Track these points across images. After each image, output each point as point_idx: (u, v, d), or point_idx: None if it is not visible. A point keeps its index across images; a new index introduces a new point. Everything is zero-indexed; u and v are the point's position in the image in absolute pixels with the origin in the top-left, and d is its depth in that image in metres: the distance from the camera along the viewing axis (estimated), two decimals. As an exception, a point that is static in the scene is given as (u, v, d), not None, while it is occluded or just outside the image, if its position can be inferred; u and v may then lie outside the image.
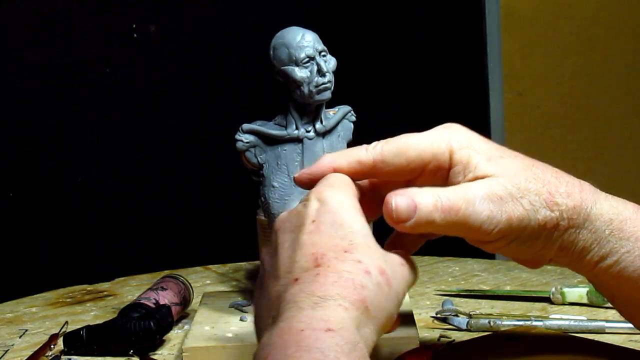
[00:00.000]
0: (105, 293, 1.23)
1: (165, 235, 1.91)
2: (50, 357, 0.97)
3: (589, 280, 0.79)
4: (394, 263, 0.69)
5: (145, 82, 1.89)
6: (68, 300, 1.21)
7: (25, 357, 0.97)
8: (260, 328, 0.67)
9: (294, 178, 0.74)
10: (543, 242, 0.73)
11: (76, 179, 1.82)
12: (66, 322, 1.06)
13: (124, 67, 1.87)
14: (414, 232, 0.71)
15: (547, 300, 1.07)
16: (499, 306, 1.08)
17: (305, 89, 0.92)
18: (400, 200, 0.69)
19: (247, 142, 0.95)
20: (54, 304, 1.19)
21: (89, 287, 1.26)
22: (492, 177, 0.72)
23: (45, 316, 1.15)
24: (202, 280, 1.26)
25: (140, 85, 1.89)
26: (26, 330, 1.09)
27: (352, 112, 1.00)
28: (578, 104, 2.22)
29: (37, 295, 1.24)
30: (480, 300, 1.10)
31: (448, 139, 0.74)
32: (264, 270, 0.72)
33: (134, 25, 1.87)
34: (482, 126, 2.13)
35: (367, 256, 0.67)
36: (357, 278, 0.65)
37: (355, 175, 0.73)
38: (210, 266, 1.33)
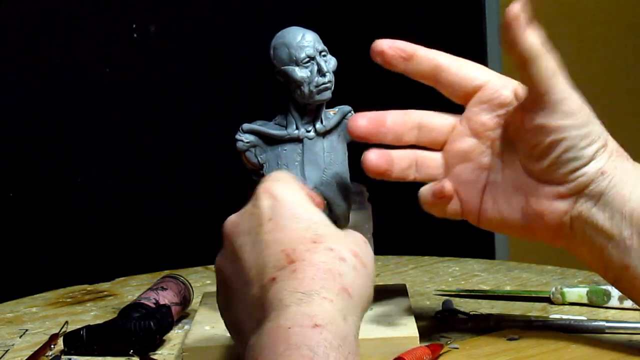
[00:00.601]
0: (105, 293, 1.23)
1: (165, 236, 1.91)
2: (50, 357, 0.97)
3: (613, 261, 0.81)
4: (360, 242, 0.70)
5: (145, 82, 1.89)
6: (68, 300, 1.21)
7: (26, 357, 0.97)
8: (242, 333, 0.67)
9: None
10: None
11: (76, 179, 1.82)
12: (66, 322, 1.06)
13: (124, 67, 1.87)
14: None
15: (547, 300, 1.07)
16: (499, 306, 1.08)
17: (306, 89, 0.92)
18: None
19: (247, 142, 0.95)
20: (54, 304, 1.19)
21: (89, 287, 1.26)
22: None
23: (46, 316, 1.15)
24: (203, 280, 1.26)
25: (140, 85, 1.89)
26: (26, 330, 1.09)
27: (352, 112, 1.00)
28: (578, 104, 2.22)
29: (37, 295, 1.24)
30: (480, 300, 1.10)
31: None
32: (224, 278, 0.71)
33: (134, 25, 1.87)
34: (482, 126, 2.13)
35: (336, 242, 0.67)
36: (335, 267, 0.65)
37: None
38: (211, 266, 1.33)
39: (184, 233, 1.92)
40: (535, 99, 0.80)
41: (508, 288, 1.15)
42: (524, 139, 0.81)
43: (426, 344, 0.92)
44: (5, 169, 1.76)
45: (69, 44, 1.82)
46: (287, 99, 0.95)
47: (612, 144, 0.82)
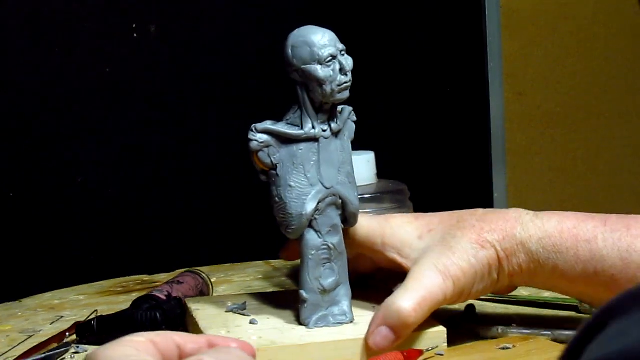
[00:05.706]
0: (158, 284, 1.21)
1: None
2: (59, 345, 0.97)
3: (548, 289, 0.95)
4: None
5: (145, 82, 1.89)
6: (119, 289, 1.21)
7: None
8: None
9: None
10: (496, 275, 0.88)
11: (77, 178, 1.82)
12: (95, 311, 1.05)
13: (124, 67, 1.86)
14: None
15: (575, 308, 1.05)
16: (527, 313, 1.05)
17: (328, 88, 0.91)
18: (379, 340, 0.86)
19: (261, 142, 0.94)
20: (103, 293, 1.19)
21: (146, 278, 1.26)
22: (428, 254, 0.87)
23: (88, 304, 1.15)
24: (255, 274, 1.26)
25: (140, 85, 1.88)
26: (61, 317, 1.09)
27: (352, 112, 1.00)
28: (578, 104, 2.22)
29: (95, 283, 1.25)
30: (508, 306, 1.07)
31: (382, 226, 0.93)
32: None
33: (134, 25, 1.86)
34: (482, 126, 2.13)
35: None
36: None
37: None
38: (272, 261, 1.32)
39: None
40: None
41: (547, 295, 1.09)
42: None
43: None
44: (5, 168, 1.75)
45: (69, 44, 1.81)
46: (300, 98, 0.94)
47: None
